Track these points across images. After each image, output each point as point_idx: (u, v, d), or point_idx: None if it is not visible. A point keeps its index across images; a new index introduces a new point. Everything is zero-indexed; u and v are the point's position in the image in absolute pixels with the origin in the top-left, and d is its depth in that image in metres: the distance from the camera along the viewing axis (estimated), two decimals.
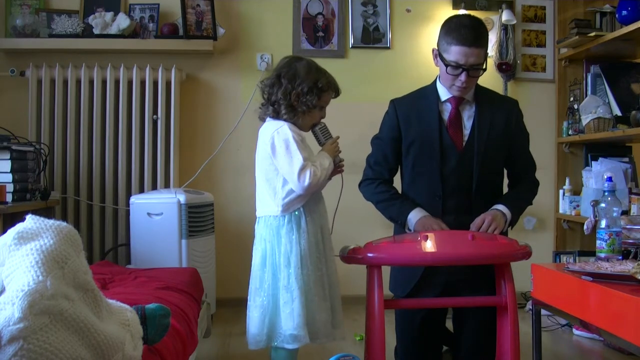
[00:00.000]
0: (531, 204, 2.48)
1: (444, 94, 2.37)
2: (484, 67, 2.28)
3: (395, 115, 2.42)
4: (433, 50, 2.35)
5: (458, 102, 2.35)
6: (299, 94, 2.10)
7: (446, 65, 2.26)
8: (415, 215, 2.31)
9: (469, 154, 2.33)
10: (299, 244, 2.08)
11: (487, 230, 2.24)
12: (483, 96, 2.39)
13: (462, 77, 2.24)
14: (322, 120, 2.22)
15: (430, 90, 2.41)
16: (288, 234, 2.09)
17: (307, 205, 2.13)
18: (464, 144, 2.33)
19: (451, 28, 2.25)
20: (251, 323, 2.11)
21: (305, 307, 2.05)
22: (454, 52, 2.22)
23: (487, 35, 2.30)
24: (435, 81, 2.42)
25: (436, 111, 2.35)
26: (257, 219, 2.19)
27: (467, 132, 2.34)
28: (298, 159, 2.05)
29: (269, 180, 2.12)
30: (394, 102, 2.46)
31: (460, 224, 2.27)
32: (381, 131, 2.49)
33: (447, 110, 2.36)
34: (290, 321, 2.04)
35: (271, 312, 2.08)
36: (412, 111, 2.39)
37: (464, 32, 2.21)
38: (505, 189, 2.51)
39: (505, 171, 2.50)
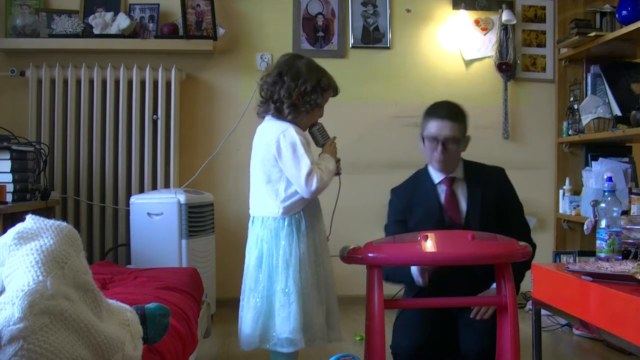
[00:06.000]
0: (529, 268, 2.51)
1: (436, 176, 2.47)
2: (461, 143, 2.39)
3: (398, 203, 2.52)
4: (418, 137, 2.48)
5: (451, 182, 2.44)
6: (302, 93, 2.08)
7: (424, 139, 2.40)
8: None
9: (468, 229, 2.36)
10: (298, 247, 2.07)
11: (484, 314, 2.30)
12: (471, 172, 2.48)
13: (438, 148, 2.36)
14: (319, 121, 2.21)
15: (424, 175, 2.51)
16: (288, 237, 2.07)
17: (307, 209, 2.12)
18: (462, 221, 2.41)
19: (429, 109, 2.45)
20: (244, 323, 2.10)
21: (303, 312, 2.03)
22: (430, 126, 2.38)
23: (464, 114, 2.43)
24: (426, 165, 2.52)
25: (435, 196, 2.44)
26: (252, 219, 2.17)
27: (464, 208, 2.43)
28: (306, 163, 2.04)
29: (272, 181, 2.10)
30: (394, 192, 2.57)
31: (461, 282, 2.31)
32: (388, 217, 2.57)
33: (442, 191, 2.45)
34: (286, 325, 2.03)
35: (265, 314, 2.07)
36: (412, 198, 2.49)
37: (439, 109, 2.42)
38: None
39: None
